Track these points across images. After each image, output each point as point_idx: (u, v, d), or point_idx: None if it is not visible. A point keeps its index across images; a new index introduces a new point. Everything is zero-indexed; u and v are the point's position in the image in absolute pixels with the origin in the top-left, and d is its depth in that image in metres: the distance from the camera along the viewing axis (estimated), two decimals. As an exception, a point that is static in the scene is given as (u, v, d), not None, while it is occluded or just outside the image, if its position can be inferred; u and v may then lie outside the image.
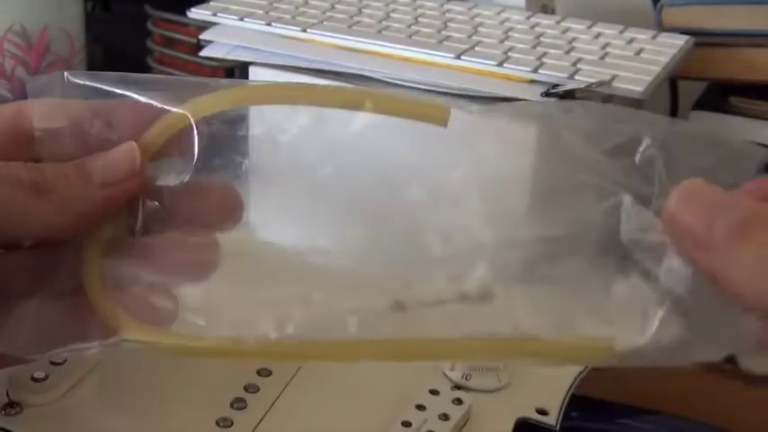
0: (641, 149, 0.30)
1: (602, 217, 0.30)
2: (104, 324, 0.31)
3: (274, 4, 0.73)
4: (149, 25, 0.82)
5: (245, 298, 0.32)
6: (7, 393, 0.41)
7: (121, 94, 0.34)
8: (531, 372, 0.46)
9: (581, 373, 0.46)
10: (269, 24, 0.68)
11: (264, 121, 0.34)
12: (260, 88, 0.35)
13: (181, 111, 0.33)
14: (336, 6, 0.73)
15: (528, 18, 0.73)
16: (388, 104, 0.33)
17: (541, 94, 0.59)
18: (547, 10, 0.81)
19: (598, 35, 0.70)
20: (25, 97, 0.34)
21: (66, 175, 0.32)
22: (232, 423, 0.41)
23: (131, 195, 0.33)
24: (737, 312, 0.28)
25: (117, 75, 0.34)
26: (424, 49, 0.64)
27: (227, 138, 0.34)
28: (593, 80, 0.60)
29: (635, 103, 0.72)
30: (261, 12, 0.70)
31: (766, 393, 0.51)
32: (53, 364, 0.43)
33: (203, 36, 0.69)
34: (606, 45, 0.67)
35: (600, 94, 0.61)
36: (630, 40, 0.69)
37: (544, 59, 0.63)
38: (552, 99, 0.58)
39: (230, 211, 0.35)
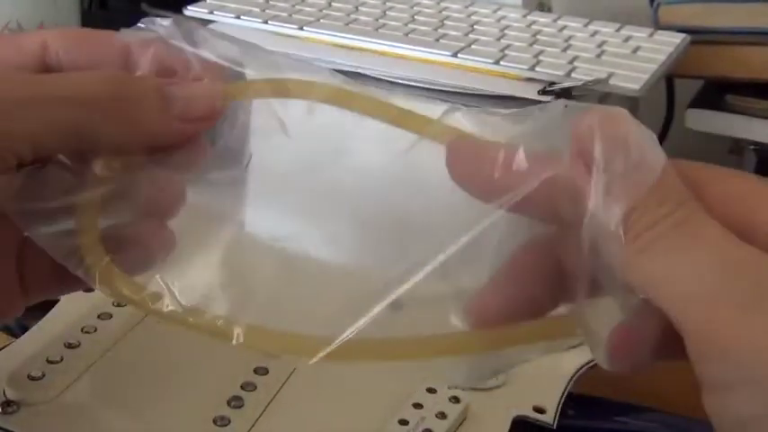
0: None
1: None
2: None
3: (271, 2, 0.73)
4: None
5: (225, 279, 0.32)
6: (4, 392, 0.41)
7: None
8: (529, 370, 0.46)
9: (578, 371, 0.46)
10: (265, 22, 0.68)
11: (263, 111, 0.33)
12: (314, 86, 0.32)
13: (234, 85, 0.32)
14: (333, 4, 0.73)
15: (524, 16, 0.73)
16: (444, 136, 0.30)
17: (538, 91, 0.59)
18: (543, 8, 0.81)
19: (594, 33, 0.70)
20: None
21: (147, 96, 0.30)
22: (229, 421, 0.41)
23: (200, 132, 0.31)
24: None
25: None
26: (421, 46, 0.64)
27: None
28: (589, 78, 0.60)
29: (631, 100, 0.72)
30: (257, 10, 0.70)
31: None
32: (50, 362, 0.43)
33: (199, 34, 0.69)
34: (603, 43, 0.67)
35: (596, 92, 0.61)
36: (627, 39, 0.69)
37: (541, 57, 0.63)
38: (549, 97, 0.59)
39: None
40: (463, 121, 0.30)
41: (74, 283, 0.31)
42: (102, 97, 0.29)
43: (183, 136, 0.31)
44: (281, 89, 0.32)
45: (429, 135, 0.30)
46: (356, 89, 0.32)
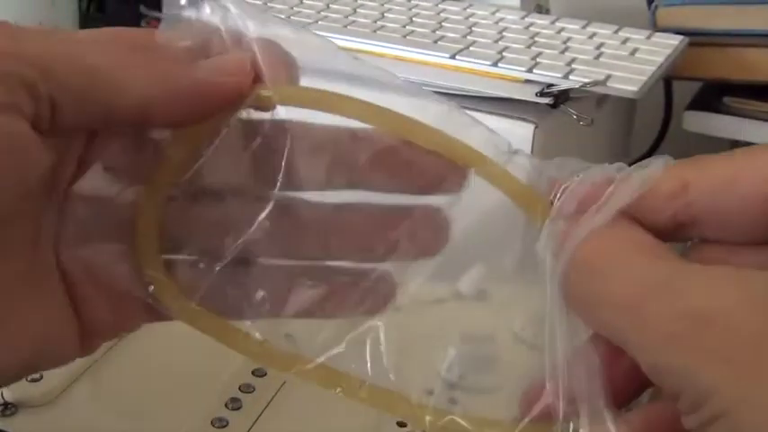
0: None
1: None
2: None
3: (269, 5, 0.73)
4: (144, 25, 0.82)
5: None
6: (2, 394, 0.41)
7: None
8: (528, 372, 0.46)
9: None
10: (264, 24, 0.68)
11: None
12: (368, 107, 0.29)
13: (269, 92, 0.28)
14: (331, 6, 0.73)
15: (522, 18, 0.73)
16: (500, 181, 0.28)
17: (536, 93, 0.59)
18: (541, 10, 0.81)
19: (593, 35, 0.70)
20: None
21: (167, 49, 0.28)
22: (227, 423, 0.41)
23: (236, 96, 0.28)
24: None
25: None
26: (419, 48, 0.64)
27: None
28: (587, 80, 0.60)
29: (629, 102, 0.72)
30: (255, 12, 0.70)
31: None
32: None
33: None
34: (601, 45, 0.67)
35: (594, 94, 0.61)
36: (625, 40, 0.69)
37: (539, 59, 0.63)
38: (547, 98, 0.59)
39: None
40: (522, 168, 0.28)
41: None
42: (124, 36, 0.28)
43: (210, 91, 0.28)
44: (328, 103, 0.29)
45: (483, 175, 0.29)
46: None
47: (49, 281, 0.29)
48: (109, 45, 0.27)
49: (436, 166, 0.29)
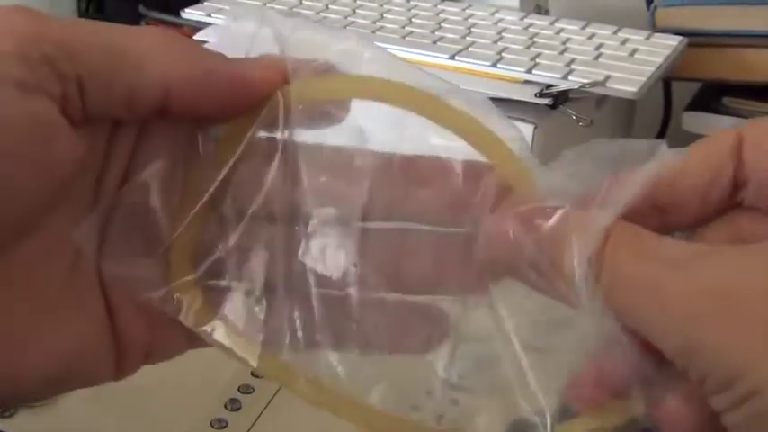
0: None
1: None
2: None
3: (267, 5, 0.73)
4: (143, 25, 0.82)
5: None
6: (1, 395, 0.41)
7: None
8: (527, 373, 0.46)
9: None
10: (263, 25, 0.68)
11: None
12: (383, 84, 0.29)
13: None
14: (330, 7, 0.73)
15: (522, 19, 0.73)
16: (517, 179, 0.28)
17: (535, 94, 0.59)
18: (540, 10, 0.81)
19: (592, 36, 0.70)
20: None
21: (197, 43, 0.26)
22: (227, 424, 0.41)
23: (266, 94, 0.27)
24: None
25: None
26: (418, 49, 0.64)
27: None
28: (586, 81, 0.60)
29: (629, 103, 0.72)
30: (255, 12, 0.70)
31: None
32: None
33: (197, 37, 0.69)
34: (600, 46, 0.67)
35: (594, 95, 0.61)
36: (624, 41, 0.69)
37: (538, 60, 0.63)
38: (546, 99, 0.59)
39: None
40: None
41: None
42: (153, 30, 0.26)
43: (240, 81, 0.26)
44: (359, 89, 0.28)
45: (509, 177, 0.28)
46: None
47: (89, 294, 0.27)
48: (134, 28, 0.26)
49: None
